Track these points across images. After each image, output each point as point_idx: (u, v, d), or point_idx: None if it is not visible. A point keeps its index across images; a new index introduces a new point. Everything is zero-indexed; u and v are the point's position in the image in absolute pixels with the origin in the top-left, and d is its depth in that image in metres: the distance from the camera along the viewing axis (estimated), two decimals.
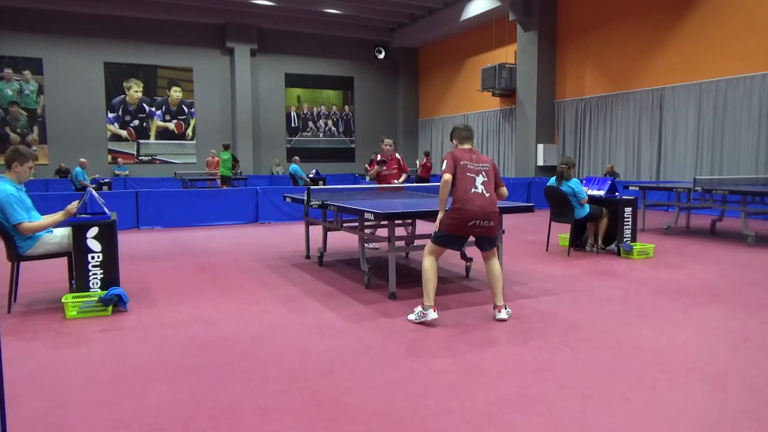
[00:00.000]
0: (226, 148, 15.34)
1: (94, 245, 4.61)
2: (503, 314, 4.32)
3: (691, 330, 4.07)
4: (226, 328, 4.19)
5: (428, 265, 4.28)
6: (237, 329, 4.17)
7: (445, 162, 4.29)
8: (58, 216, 4.68)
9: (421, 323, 4.20)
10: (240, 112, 20.89)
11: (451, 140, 4.57)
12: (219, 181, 15.47)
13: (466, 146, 4.44)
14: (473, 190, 4.19)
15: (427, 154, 18.50)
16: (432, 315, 4.16)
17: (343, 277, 5.96)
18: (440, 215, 4.31)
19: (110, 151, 20.08)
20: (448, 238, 4.29)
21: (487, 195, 4.24)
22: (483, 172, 4.30)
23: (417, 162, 19.74)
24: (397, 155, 7.89)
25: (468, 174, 4.23)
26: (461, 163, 4.25)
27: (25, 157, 4.74)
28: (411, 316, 4.30)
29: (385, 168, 7.81)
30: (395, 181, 7.78)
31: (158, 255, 7.52)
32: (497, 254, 4.52)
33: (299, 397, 2.96)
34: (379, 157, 7.96)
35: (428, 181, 16.63)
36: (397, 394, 2.99)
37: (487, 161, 4.40)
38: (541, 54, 16.17)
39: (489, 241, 4.37)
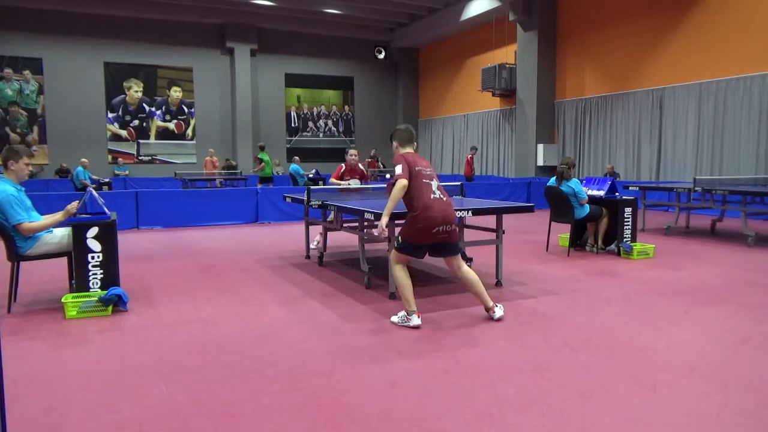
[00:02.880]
0: (263, 149, 15.36)
1: (94, 245, 4.61)
2: (498, 312, 4.31)
3: (691, 330, 4.07)
4: (226, 328, 4.19)
5: (398, 273, 4.23)
6: (237, 329, 4.17)
7: (399, 166, 4.15)
8: (58, 216, 4.68)
9: (405, 326, 4.17)
10: (240, 112, 20.90)
11: (391, 141, 4.45)
12: (259, 183, 15.37)
13: (409, 149, 4.36)
14: (432, 196, 4.14)
15: (473, 150, 17.19)
16: (416, 321, 4.13)
17: (343, 277, 5.96)
18: (384, 220, 4.21)
19: (110, 151, 20.09)
20: (411, 248, 4.22)
21: (444, 199, 4.19)
22: (435, 177, 4.28)
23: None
24: (360, 166, 8.07)
25: (424, 180, 4.16)
26: (416, 168, 4.16)
27: (18, 154, 4.71)
28: (394, 318, 4.27)
29: (348, 178, 7.94)
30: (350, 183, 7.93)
31: (158, 255, 7.52)
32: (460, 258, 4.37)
33: (299, 397, 2.96)
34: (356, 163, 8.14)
35: (473, 181, 15.81)
36: (397, 394, 2.99)
37: (430, 165, 4.37)
38: (541, 54, 16.17)
39: (451, 248, 4.26)
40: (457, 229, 4.28)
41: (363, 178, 8.06)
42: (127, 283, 5.39)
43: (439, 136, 22.44)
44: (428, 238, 4.15)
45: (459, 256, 4.34)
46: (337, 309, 4.70)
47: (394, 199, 4.18)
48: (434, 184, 4.21)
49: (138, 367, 3.42)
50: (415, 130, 4.47)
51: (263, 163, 15.32)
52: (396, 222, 4.57)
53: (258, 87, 21.74)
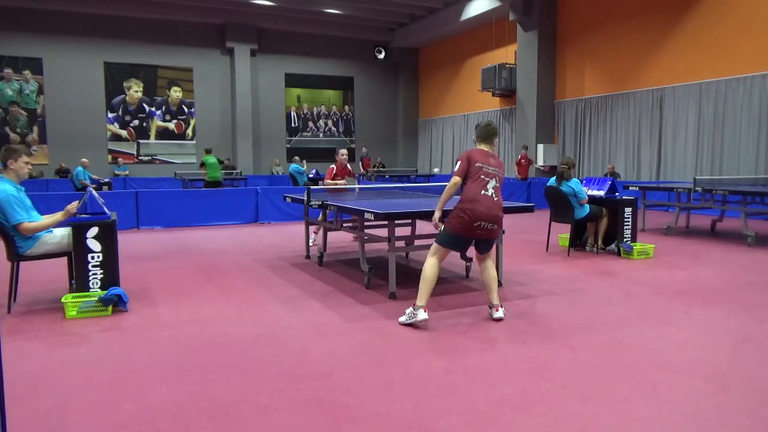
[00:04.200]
0: (208, 152, 14.60)
1: (94, 245, 4.61)
2: (500, 313, 4.32)
3: (691, 330, 4.07)
4: (226, 328, 4.19)
5: (430, 266, 4.25)
6: (237, 329, 4.17)
7: (458, 163, 4.28)
8: (58, 216, 4.68)
9: (411, 324, 4.15)
10: (240, 112, 20.90)
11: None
12: (204, 185, 14.22)
13: (484, 147, 4.40)
14: (483, 192, 4.18)
15: (525, 149, 15.80)
16: (422, 315, 4.12)
17: (343, 277, 5.96)
18: (437, 214, 4.35)
19: (110, 151, 20.08)
20: (453, 239, 4.27)
21: (495, 199, 4.23)
22: (496, 177, 4.29)
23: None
24: (348, 166, 8.37)
25: (482, 176, 4.21)
26: (476, 165, 4.23)
27: (17, 152, 4.70)
28: (402, 318, 4.25)
29: (339, 178, 8.19)
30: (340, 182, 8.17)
31: (158, 255, 7.52)
32: (493, 255, 4.51)
33: (299, 397, 2.96)
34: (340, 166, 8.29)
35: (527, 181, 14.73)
36: (397, 394, 2.99)
37: (501, 167, 4.39)
38: (541, 54, 16.17)
39: (488, 244, 4.38)
40: (498, 229, 4.32)
41: (350, 176, 8.32)
42: (127, 283, 5.38)
43: (439, 136, 22.42)
44: (469, 231, 4.19)
45: (491, 250, 4.44)
46: (337, 309, 4.70)
47: (447, 194, 4.29)
48: (492, 183, 4.23)
49: (138, 367, 3.42)
50: (492, 127, 4.47)
51: (204, 166, 14.30)
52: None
53: (258, 87, 21.73)
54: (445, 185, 4.33)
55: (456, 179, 4.22)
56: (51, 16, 18.50)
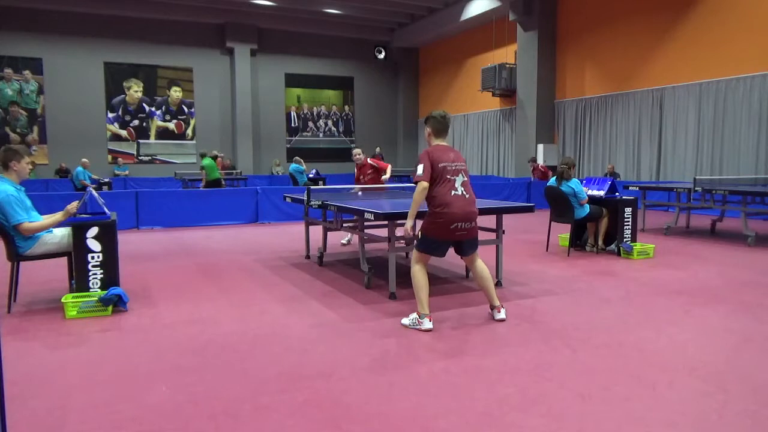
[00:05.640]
0: (203, 156, 14.62)
1: (94, 245, 4.61)
2: (502, 314, 4.31)
3: (692, 330, 4.07)
4: (226, 328, 4.19)
5: (417, 273, 4.18)
6: (237, 329, 4.17)
7: (420, 166, 4.08)
8: (58, 216, 4.68)
9: (415, 329, 4.13)
10: (240, 112, 20.90)
11: (425, 126, 4.31)
12: (203, 185, 14.02)
13: (442, 141, 4.27)
14: (453, 192, 4.07)
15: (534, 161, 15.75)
16: (427, 324, 4.06)
17: (343, 277, 5.96)
18: (409, 224, 4.20)
19: (110, 151, 20.08)
20: (432, 244, 4.17)
21: (467, 196, 4.13)
22: (462, 172, 4.16)
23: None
24: (368, 160, 8.17)
25: (448, 176, 4.08)
26: (440, 165, 4.08)
27: (20, 154, 4.71)
28: (405, 321, 4.22)
29: (362, 177, 8.05)
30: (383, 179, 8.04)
31: (158, 255, 7.52)
32: (479, 255, 4.40)
33: (299, 397, 2.96)
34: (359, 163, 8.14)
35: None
36: (397, 395, 2.99)
37: (463, 159, 4.27)
38: (541, 54, 16.17)
39: (471, 244, 4.27)
40: (476, 226, 4.25)
41: (379, 170, 8.05)
42: (127, 283, 5.39)
43: None
44: (447, 234, 4.11)
45: (477, 251, 4.34)
46: (337, 309, 4.70)
47: (416, 202, 4.12)
48: (458, 179, 4.12)
49: (138, 367, 3.42)
50: (449, 118, 4.27)
51: (204, 170, 14.23)
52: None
53: (258, 87, 21.73)
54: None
55: (424, 184, 4.03)
56: (51, 16, 18.49)
